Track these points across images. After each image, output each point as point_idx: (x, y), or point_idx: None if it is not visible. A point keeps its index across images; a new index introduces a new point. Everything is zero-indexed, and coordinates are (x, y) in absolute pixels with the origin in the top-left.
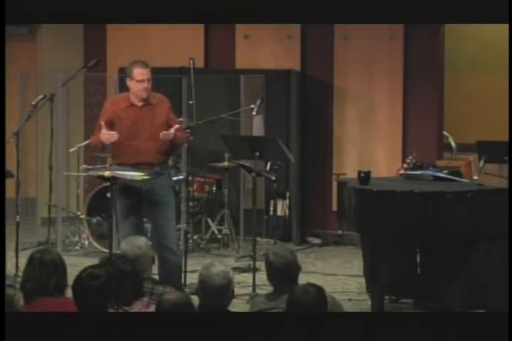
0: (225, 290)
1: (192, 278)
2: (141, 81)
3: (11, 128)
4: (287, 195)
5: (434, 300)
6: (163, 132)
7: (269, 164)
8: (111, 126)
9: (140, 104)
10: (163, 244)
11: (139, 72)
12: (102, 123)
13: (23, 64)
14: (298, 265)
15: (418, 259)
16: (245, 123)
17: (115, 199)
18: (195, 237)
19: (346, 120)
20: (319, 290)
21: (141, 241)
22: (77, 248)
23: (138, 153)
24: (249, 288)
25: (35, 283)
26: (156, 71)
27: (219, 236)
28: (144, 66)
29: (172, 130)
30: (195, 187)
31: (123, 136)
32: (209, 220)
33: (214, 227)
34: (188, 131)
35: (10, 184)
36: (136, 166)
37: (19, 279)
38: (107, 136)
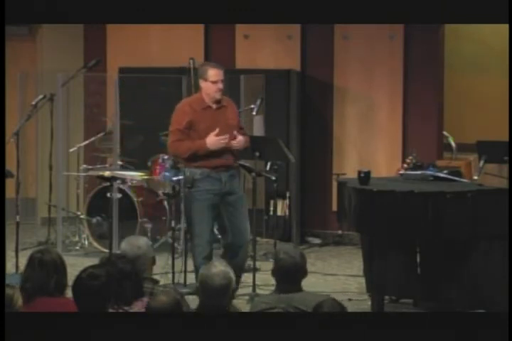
0: (225, 290)
1: (192, 278)
2: (216, 82)
3: (11, 128)
4: (287, 195)
5: (434, 300)
6: (238, 140)
7: (269, 164)
8: (188, 129)
9: (214, 106)
10: (240, 244)
11: (214, 73)
12: (181, 127)
13: (23, 64)
14: (305, 269)
15: (418, 259)
16: (245, 123)
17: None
18: None
19: (346, 120)
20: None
21: (142, 241)
22: (77, 248)
23: (216, 156)
24: (249, 288)
25: (35, 283)
26: (156, 71)
27: (219, 236)
28: (218, 67)
29: (241, 137)
30: None
31: (200, 139)
32: None
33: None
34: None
35: (10, 184)
36: (215, 169)
37: (17, 276)
38: (217, 141)
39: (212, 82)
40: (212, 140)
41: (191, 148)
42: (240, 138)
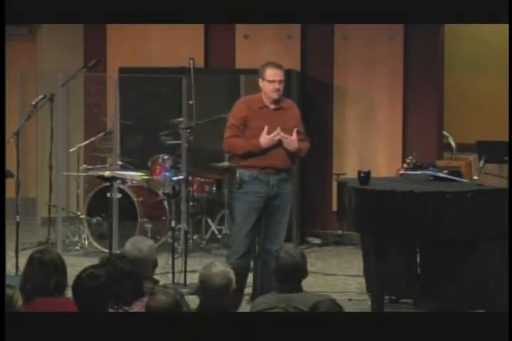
0: (225, 290)
1: (192, 278)
2: (273, 81)
3: (11, 128)
4: None
5: (434, 300)
6: (290, 138)
7: None
8: (243, 126)
9: (272, 106)
10: (270, 250)
11: (271, 73)
12: (236, 123)
13: (23, 64)
14: (305, 269)
15: (418, 259)
16: None
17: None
18: (195, 237)
19: (346, 120)
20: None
21: (145, 245)
22: (77, 248)
23: (267, 156)
24: (249, 288)
25: (35, 283)
26: (156, 71)
27: (219, 236)
28: (277, 67)
29: (292, 137)
30: (195, 187)
31: (253, 137)
32: (209, 220)
33: (214, 227)
34: (189, 131)
35: (10, 184)
36: (264, 170)
37: (18, 278)
38: (270, 138)
39: (269, 81)
40: (265, 138)
41: (245, 146)
42: (292, 137)
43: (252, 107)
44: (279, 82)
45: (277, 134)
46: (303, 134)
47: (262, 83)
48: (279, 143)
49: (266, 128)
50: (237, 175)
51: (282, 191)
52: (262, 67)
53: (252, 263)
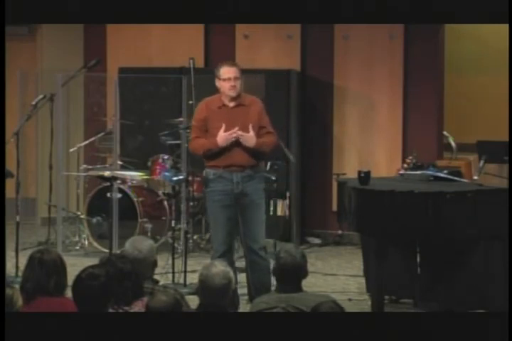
0: (225, 290)
1: (192, 278)
2: (228, 79)
3: (11, 128)
4: (287, 195)
5: (434, 300)
6: (246, 135)
7: (269, 164)
8: (205, 126)
9: (231, 104)
10: (252, 248)
11: (225, 71)
12: (197, 124)
13: (23, 64)
14: (305, 269)
15: (418, 259)
16: None
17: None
18: (195, 237)
19: (346, 120)
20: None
21: (145, 245)
22: (77, 248)
23: (230, 155)
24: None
25: (35, 283)
26: (156, 71)
27: None
28: (230, 65)
29: (251, 133)
30: (195, 187)
31: (214, 137)
32: None
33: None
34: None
35: (10, 184)
36: (228, 168)
37: (19, 279)
38: (225, 136)
39: (223, 79)
40: (221, 136)
41: (205, 145)
42: (248, 134)
43: (211, 108)
44: (234, 78)
45: (233, 132)
46: (267, 128)
47: (218, 83)
48: (239, 142)
49: (223, 127)
50: (204, 174)
51: (248, 188)
52: (217, 67)
53: (243, 263)
